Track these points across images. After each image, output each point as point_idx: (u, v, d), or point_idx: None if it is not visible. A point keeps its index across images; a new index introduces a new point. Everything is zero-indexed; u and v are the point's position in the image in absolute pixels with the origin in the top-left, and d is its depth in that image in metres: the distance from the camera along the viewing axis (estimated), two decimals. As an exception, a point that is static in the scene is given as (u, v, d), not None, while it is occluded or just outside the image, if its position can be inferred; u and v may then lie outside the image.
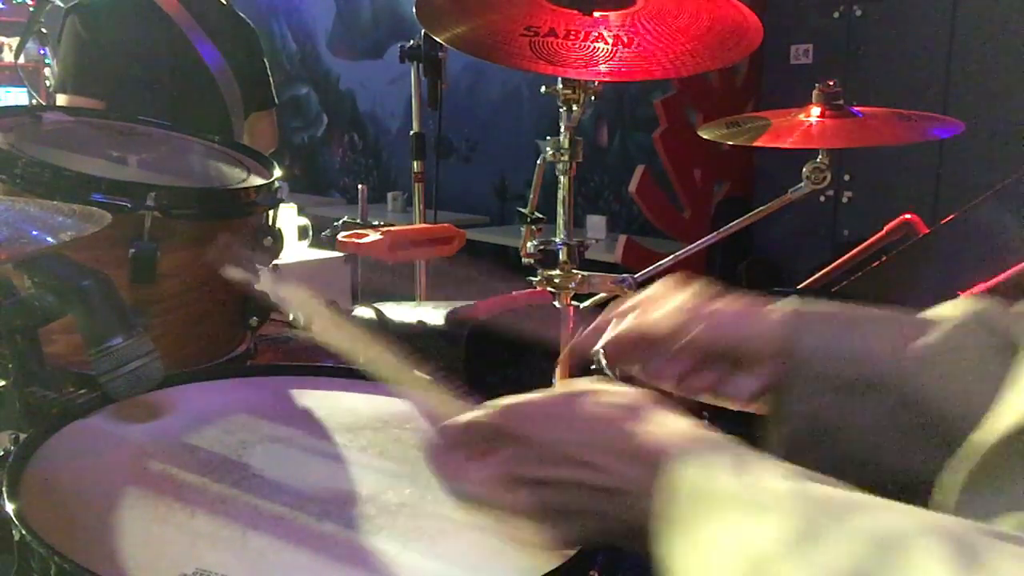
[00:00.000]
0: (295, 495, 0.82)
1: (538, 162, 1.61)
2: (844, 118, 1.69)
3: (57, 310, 0.86)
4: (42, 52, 3.35)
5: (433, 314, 1.22)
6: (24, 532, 0.67)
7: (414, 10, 1.42)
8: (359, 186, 1.66)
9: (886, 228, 2.15)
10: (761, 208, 1.89)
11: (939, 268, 2.04)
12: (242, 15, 2.69)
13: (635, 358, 0.77)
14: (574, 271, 1.58)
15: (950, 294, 1.84)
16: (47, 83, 3.24)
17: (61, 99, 2.33)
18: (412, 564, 0.73)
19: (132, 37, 2.36)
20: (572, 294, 1.60)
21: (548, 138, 1.56)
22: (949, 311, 0.73)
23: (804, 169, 1.76)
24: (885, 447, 0.68)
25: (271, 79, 2.74)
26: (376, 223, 1.53)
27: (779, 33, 4.11)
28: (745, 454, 0.55)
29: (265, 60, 2.73)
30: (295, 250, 3.46)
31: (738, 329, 0.74)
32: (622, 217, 5.40)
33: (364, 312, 1.36)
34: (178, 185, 1.29)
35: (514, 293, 1.22)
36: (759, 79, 4.47)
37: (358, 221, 1.52)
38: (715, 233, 1.86)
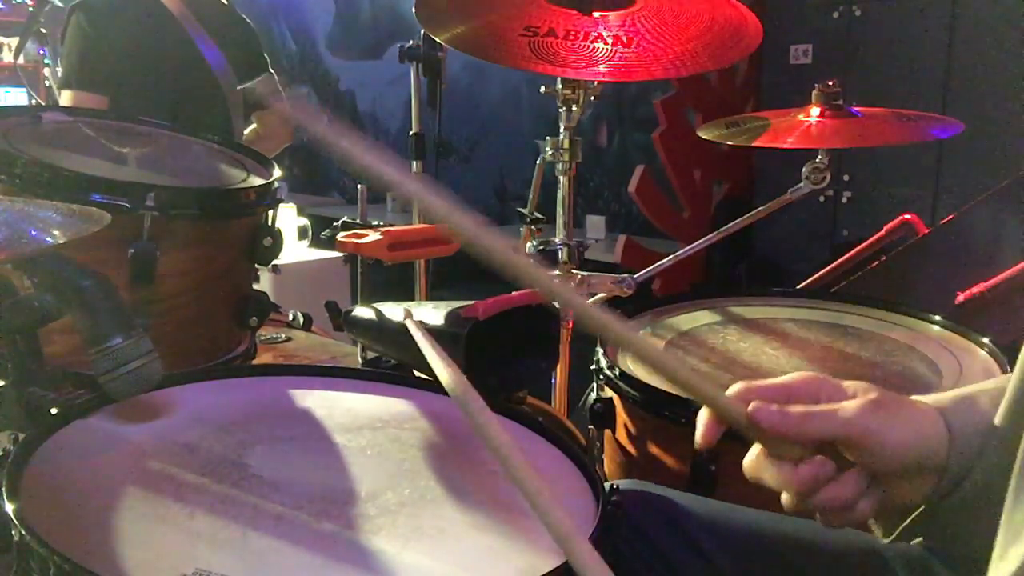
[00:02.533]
0: (295, 495, 0.82)
1: (538, 162, 1.61)
2: (843, 118, 1.69)
3: (57, 310, 0.86)
4: (42, 52, 3.35)
5: (433, 314, 1.22)
6: (23, 532, 0.67)
7: (414, 10, 1.42)
8: (358, 186, 1.66)
9: (886, 228, 2.16)
10: (761, 208, 1.89)
11: (939, 268, 2.04)
12: (242, 15, 2.69)
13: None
14: (574, 271, 1.58)
15: (950, 294, 1.85)
16: (46, 83, 3.23)
17: (66, 95, 2.33)
18: (412, 564, 0.73)
19: (136, 35, 2.36)
20: (572, 294, 1.60)
21: (548, 138, 1.56)
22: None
23: (804, 169, 1.77)
24: None
25: (274, 75, 2.75)
26: (376, 223, 1.52)
27: (779, 33, 4.11)
28: None
29: (266, 57, 2.74)
30: (295, 250, 3.47)
31: (892, 419, 0.70)
32: (621, 217, 5.40)
33: (364, 312, 1.36)
34: (178, 185, 1.29)
35: (514, 293, 1.22)
36: (759, 79, 4.47)
37: (358, 221, 1.51)
38: (715, 233, 1.86)
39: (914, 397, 0.73)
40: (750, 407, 0.71)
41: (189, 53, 2.44)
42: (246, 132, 2.70)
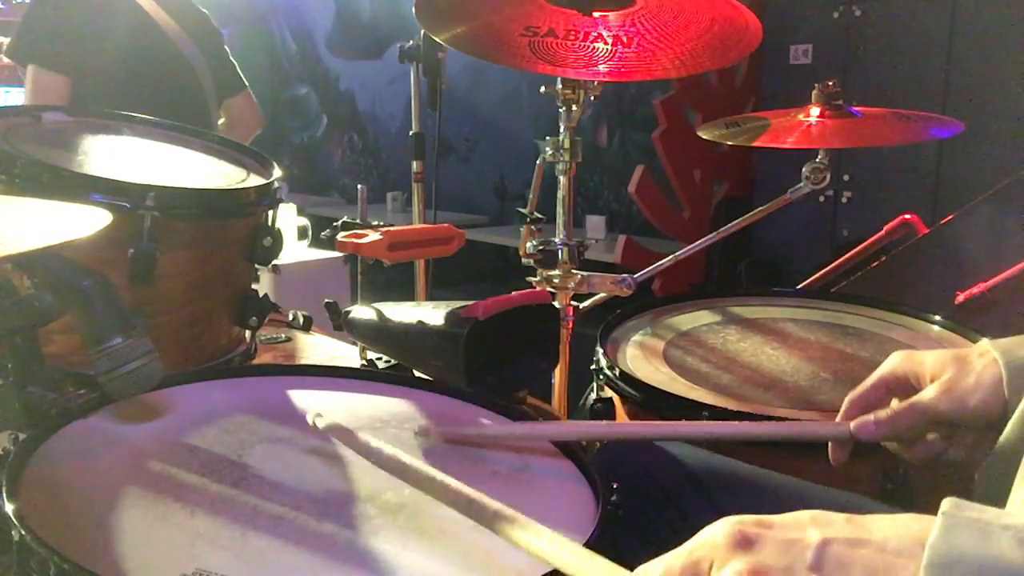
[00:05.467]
0: (295, 495, 0.82)
1: (538, 162, 1.61)
2: (844, 118, 1.69)
3: (57, 310, 0.86)
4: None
5: (433, 314, 1.22)
6: (23, 532, 0.67)
7: (414, 10, 1.42)
8: (358, 186, 1.66)
9: (886, 228, 2.15)
10: (761, 208, 1.89)
11: (939, 268, 2.04)
12: (196, 5, 2.70)
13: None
14: (573, 271, 1.58)
15: (949, 294, 1.85)
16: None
17: (29, 72, 2.32)
18: (412, 564, 0.73)
19: (109, 24, 2.36)
20: (571, 294, 1.60)
21: (548, 138, 1.56)
22: None
23: (804, 169, 1.76)
24: None
25: (234, 63, 2.75)
26: (375, 223, 1.52)
27: (779, 33, 4.11)
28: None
29: (226, 47, 2.75)
30: (295, 250, 3.47)
31: (962, 400, 0.83)
32: (621, 217, 5.41)
33: (364, 312, 1.36)
34: (178, 185, 1.29)
35: (514, 293, 1.22)
36: (759, 79, 4.47)
37: (357, 221, 1.51)
38: (715, 233, 1.86)
39: (984, 346, 0.85)
40: (851, 427, 0.87)
41: (165, 44, 2.44)
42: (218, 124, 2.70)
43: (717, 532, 0.57)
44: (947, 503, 0.53)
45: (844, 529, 0.56)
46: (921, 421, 0.85)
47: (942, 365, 0.85)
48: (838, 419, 0.90)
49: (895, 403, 0.88)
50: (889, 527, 0.55)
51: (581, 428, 1.08)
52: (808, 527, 0.56)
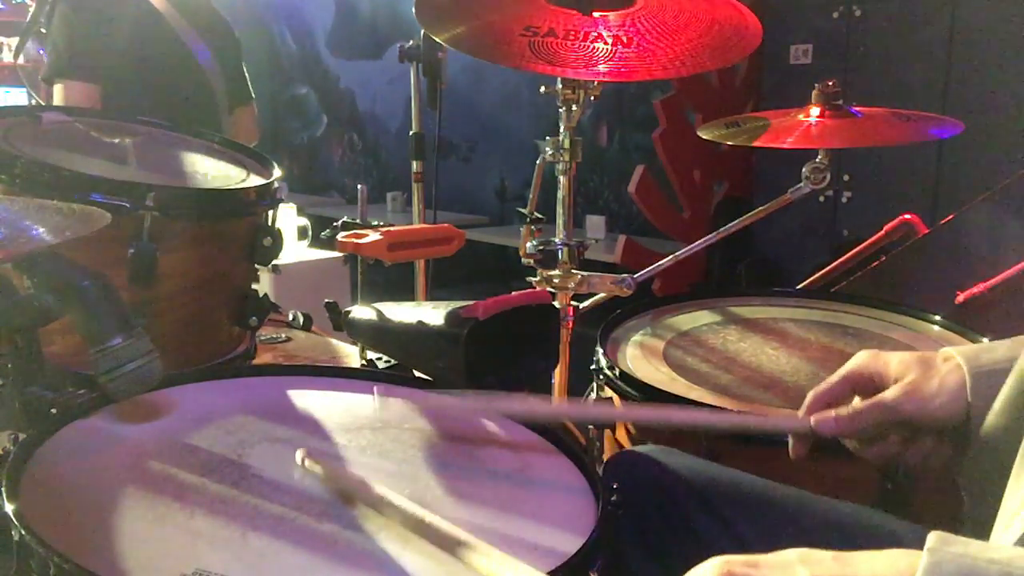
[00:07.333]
0: (295, 495, 0.82)
1: (538, 162, 1.61)
2: (843, 118, 1.69)
3: (57, 310, 0.86)
4: (41, 52, 3.34)
5: (433, 314, 1.22)
6: (23, 532, 0.67)
7: (414, 10, 1.42)
8: (358, 186, 1.66)
9: (886, 228, 2.15)
10: (761, 208, 1.89)
11: (938, 268, 2.04)
12: (219, 11, 2.69)
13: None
14: (573, 271, 1.58)
15: (949, 294, 1.85)
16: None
17: (57, 88, 2.32)
18: (412, 564, 0.73)
19: (123, 29, 2.36)
20: (571, 294, 1.60)
21: (548, 138, 1.56)
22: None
23: (804, 169, 1.76)
24: None
25: (247, 74, 2.75)
26: (376, 223, 1.52)
27: (778, 33, 4.11)
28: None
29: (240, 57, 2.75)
30: (295, 250, 3.47)
31: (924, 403, 0.84)
32: (621, 217, 5.41)
33: (364, 312, 1.36)
34: (178, 185, 1.29)
35: (514, 293, 1.22)
36: (759, 79, 4.47)
37: (357, 221, 1.52)
38: (715, 233, 1.86)
39: (948, 351, 0.86)
40: (812, 421, 0.89)
41: (177, 48, 2.44)
42: None
43: (707, 572, 0.58)
44: (932, 538, 0.54)
45: (832, 567, 0.57)
46: (882, 420, 0.86)
47: (906, 367, 0.86)
48: (800, 413, 0.91)
49: (857, 401, 0.89)
50: (876, 564, 0.56)
51: (534, 407, 1.02)
52: (796, 566, 0.57)
